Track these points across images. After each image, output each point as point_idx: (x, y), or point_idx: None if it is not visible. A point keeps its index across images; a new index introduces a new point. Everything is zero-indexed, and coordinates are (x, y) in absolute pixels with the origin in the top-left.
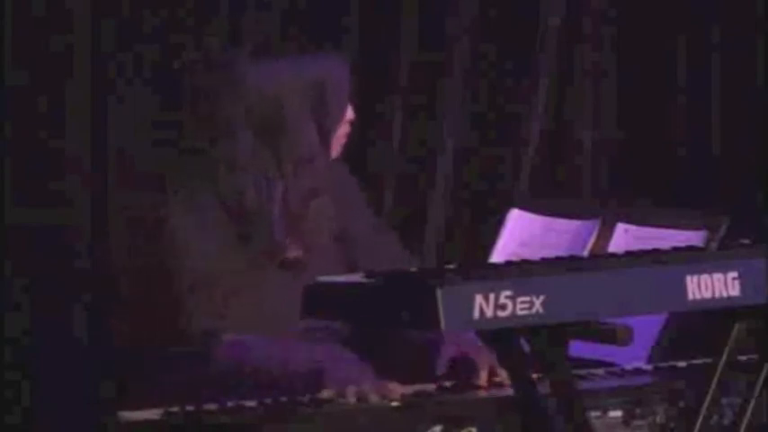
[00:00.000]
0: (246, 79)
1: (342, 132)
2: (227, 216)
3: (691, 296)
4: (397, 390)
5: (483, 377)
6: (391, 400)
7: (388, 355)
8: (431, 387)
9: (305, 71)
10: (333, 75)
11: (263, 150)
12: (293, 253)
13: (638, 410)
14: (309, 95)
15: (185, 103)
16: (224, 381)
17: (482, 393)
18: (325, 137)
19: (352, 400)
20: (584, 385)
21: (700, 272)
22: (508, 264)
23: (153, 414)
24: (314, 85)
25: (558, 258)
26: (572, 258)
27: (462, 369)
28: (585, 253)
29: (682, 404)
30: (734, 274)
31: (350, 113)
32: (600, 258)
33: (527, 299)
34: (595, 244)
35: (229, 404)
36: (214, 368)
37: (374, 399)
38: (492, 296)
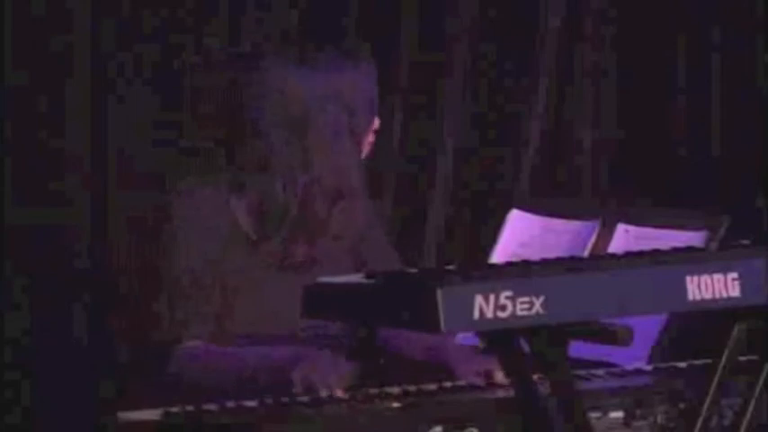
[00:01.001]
0: (278, 83)
1: (368, 140)
2: (234, 215)
3: (691, 296)
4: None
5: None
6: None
7: (399, 377)
8: (431, 387)
9: (338, 78)
10: (363, 83)
11: (291, 150)
12: (303, 255)
13: (638, 411)
14: (341, 103)
15: (187, 102)
16: (185, 385)
17: (482, 393)
18: (355, 143)
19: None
20: (584, 386)
21: (700, 272)
22: (508, 264)
23: (153, 414)
24: (346, 92)
25: (558, 259)
26: (572, 259)
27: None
28: (585, 253)
29: (682, 405)
30: (734, 274)
31: (376, 122)
32: (600, 258)
33: (527, 299)
34: (595, 244)
35: (229, 404)
36: (174, 372)
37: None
38: (492, 297)
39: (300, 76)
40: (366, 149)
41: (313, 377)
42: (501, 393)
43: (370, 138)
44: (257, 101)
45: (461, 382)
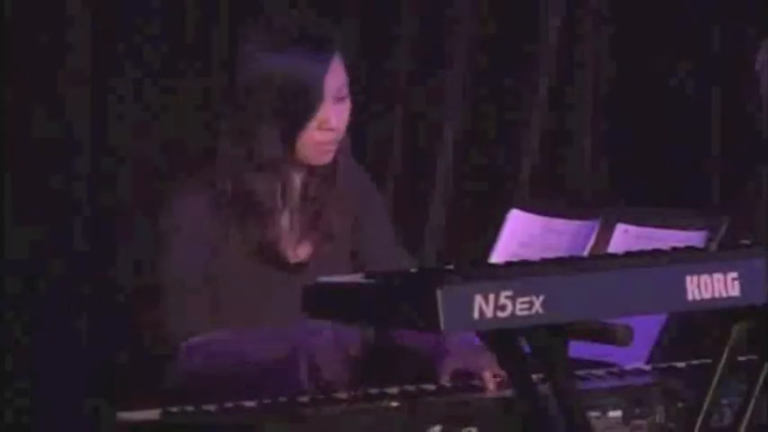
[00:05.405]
0: (241, 69)
1: (319, 138)
2: (228, 212)
3: (691, 296)
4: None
5: (488, 382)
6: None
7: (391, 367)
8: (430, 386)
9: (277, 67)
10: (305, 75)
11: (238, 146)
12: (269, 249)
13: (637, 410)
14: (275, 93)
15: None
16: (193, 384)
17: (482, 393)
18: (289, 140)
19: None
20: (583, 385)
21: (700, 272)
22: (508, 264)
23: (153, 414)
24: (281, 82)
25: (557, 258)
26: (572, 258)
27: (465, 379)
28: (585, 253)
29: (681, 404)
30: (734, 274)
31: (333, 121)
32: (600, 258)
33: (527, 299)
34: (595, 244)
35: (229, 404)
36: (180, 372)
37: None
38: (492, 296)
39: (246, 63)
40: (320, 148)
41: (320, 367)
42: (501, 393)
43: (324, 136)
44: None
45: (459, 383)
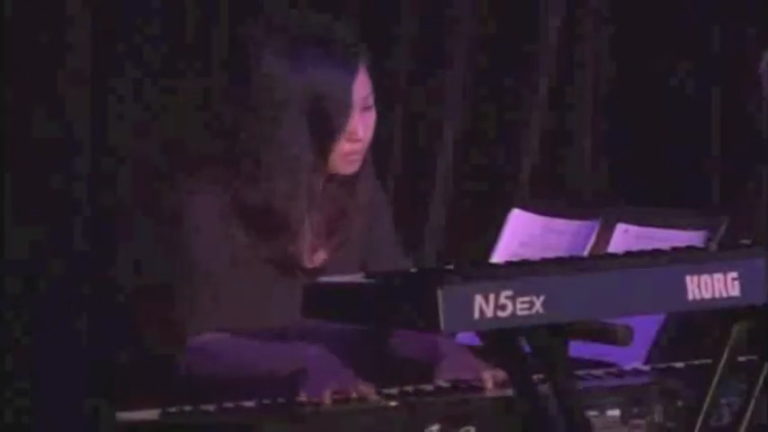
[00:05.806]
0: (257, 80)
1: (347, 149)
2: (241, 216)
3: (691, 296)
4: (371, 392)
5: (486, 382)
6: (368, 401)
7: (386, 371)
8: (429, 386)
9: (307, 80)
10: (335, 87)
11: (264, 158)
12: (313, 263)
13: (635, 409)
14: (307, 107)
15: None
16: (194, 384)
17: (481, 393)
18: (321, 152)
19: (327, 402)
20: (582, 384)
21: (700, 272)
22: (508, 264)
23: (152, 414)
24: (312, 96)
25: (558, 258)
26: (572, 258)
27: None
28: (585, 253)
29: (679, 403)
30: (734, 274)
31: (360, 132)
32: (600, 258)
33: (527, 299)
34: (595, 244)
35: (229, 404)
36: (183, 371)
37: (352, 399)
38: (492, 296)
39: (274, 77)
40: (348, 158)
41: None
42: (500, 393)
43: (352, 146)
44: (235, 93)
45: (459, 382)
